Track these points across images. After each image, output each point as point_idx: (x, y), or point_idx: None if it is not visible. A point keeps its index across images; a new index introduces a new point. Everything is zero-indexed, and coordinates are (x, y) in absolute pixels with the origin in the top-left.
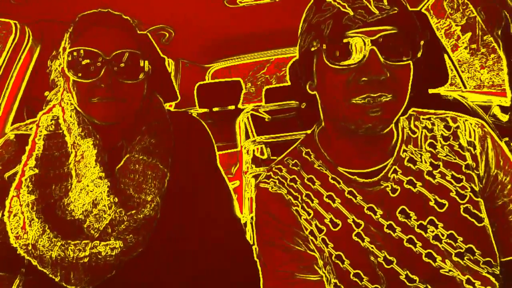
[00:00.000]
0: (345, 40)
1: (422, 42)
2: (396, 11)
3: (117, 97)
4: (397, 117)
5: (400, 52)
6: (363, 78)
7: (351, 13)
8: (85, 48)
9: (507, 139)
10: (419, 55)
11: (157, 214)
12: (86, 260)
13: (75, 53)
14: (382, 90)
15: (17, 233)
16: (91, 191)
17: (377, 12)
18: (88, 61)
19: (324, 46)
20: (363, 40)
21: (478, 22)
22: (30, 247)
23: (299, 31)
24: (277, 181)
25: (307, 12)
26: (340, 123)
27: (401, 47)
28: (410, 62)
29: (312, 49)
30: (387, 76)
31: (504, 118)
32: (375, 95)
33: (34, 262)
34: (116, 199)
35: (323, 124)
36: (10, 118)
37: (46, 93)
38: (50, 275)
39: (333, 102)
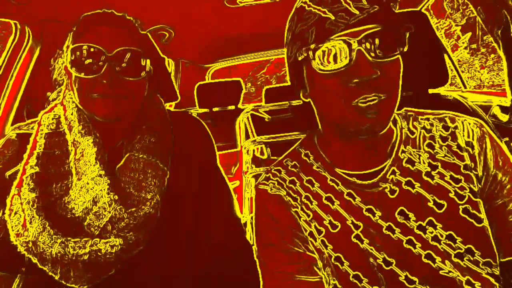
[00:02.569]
0: (330, 45)
1: (407, 35)
2: (376, 9)
3: (118, 93)
4: (393, 115)
5: (387, 48)
6: (355, 80)
7: (332, 18)
8: (88, 45)
9: (507, 139)
10: (406, 48)
11: (157, 212)
12: (86, 257)
13: (78, 51)
14: (375, 90)
15: (18, 230)
16: (91, 189)
17: (357, 12)
18: (90, 58)
19: (311, 54)
20: (348, 42)
21: (478, 22)
22: (30, 244)
23: (285, 42)
24: (276, 183)
25: (289, 22)
26: (338, 126)
27: (387, 43)
28: (399, 56)
29: (300, 58)
30: (378, 75)
31: (504, 118)
32: (370, 96)
33: (34, 260)
34: (116, 197)
35: (320, 128)
36: (10, 118)
37: (48, 94)
38: (50, 273)
39: (329, 107)
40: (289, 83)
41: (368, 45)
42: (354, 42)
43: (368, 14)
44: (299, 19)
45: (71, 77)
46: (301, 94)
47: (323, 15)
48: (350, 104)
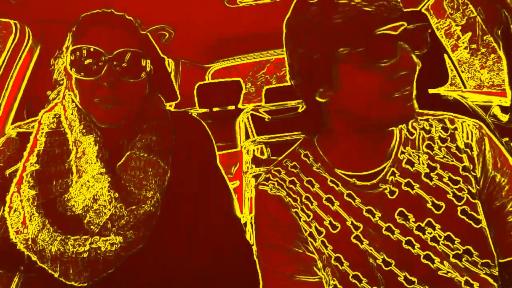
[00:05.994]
0: (377, 39)
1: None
2: (402, 6)
3: (118, 97)
4: None
5: (418, 45)
6: (403, 72)
7: (374, 12)
8: (88, 46)
9: (507, 139)
10: (428, 46)
11: (157, 210)
12: (85, 255)
13: (77, 52)
14: (410, 83)
15: (17, 228)
16: (91, 187)
17: (395, 8)
18: (90, 59)
19: (356, 49)
20: (393, 37)
21: (478, 22)
22: (30, 242)
23: (303, 38)
24: (276, 183)
25: (309, 17)
26: (373, 122)
27: (418, 39)
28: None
29: (343, 52)
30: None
31: (504, 118)
32: (408, 87)
33: (34, 257)
34: (117, 195)
35: (328, 127)
36: (11, 117)
37: (48, 93)
38: (50, 271)
39: (367, 103)
40: (289, 83)
41: (406, 39)
42: (397, 36)
43: (400, 11)
44: (331, 11)
45: (71, 78)
46: (317, 94)
47: (364, 8)
48: (391, 96)
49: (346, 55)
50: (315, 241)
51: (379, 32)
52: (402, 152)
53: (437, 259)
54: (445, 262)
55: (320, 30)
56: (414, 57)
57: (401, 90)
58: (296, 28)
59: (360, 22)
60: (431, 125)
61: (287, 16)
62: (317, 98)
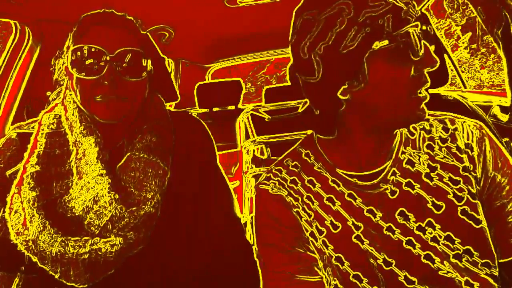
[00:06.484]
0: (409, 35)
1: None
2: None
3: (119, 95)
4: None
5: (430, 43)
6: (429, 69)
7: (405, 8)
8: (89, 46)
9: (507, 139)
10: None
11: (157, 211)
12: (86, 256)
13: (78, 52)
14: (427, 83)
15: (18, 229)
16: (92, 188)
17: (416, 6)
18: (91, 59)
19: (393, 43)
20: (419, 34)
21: (478, 22)
22: (30, 243)
23: (329, 32)
24: (277, 183)
25: (338, 9)
26: (391, 120)
27: (427, 38)
28: None
29: (376, 46)
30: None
31: (504, 118)
32: (426, 86)
33: (34, 259)
34: (117, 196)
35: (341, 126)
36: (10, 118)
37: (48, 93)
38: (50, 272)
39: (394, 99)
40: (289, 83)
41: (425, 37)
42: (422, 34)
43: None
44: (365, 5)
45: (72, 77)
46: (340, 90)
47: (396, 4)
48: (411, 96)
49: (378, 49)
50: (316, 241)
51: (411, 27)
52: (403, 152)
53: (437, 259)
54: (445, 262)
55: (352, 23)
56: (434, 54)
57: (421, 90)
58: (319, 21)
59: (395, 17)
60: (431, 125)
61: (298, 8)
62: (339, 95)
